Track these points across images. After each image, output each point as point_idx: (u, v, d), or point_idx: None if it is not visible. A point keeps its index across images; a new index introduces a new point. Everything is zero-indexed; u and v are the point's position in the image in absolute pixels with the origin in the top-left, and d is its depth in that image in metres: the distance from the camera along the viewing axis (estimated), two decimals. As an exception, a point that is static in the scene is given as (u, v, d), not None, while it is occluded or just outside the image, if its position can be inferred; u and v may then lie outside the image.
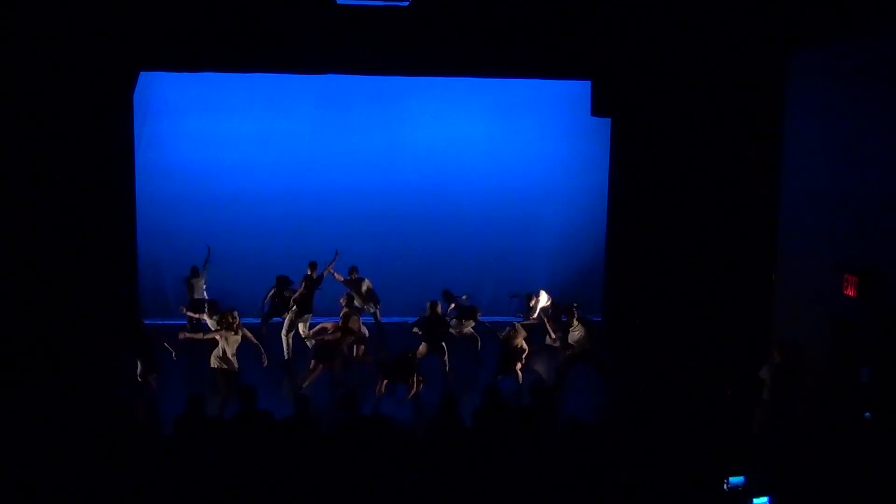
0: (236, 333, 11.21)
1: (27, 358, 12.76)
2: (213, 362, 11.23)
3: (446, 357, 12.85)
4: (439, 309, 13.00)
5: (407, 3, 10.74)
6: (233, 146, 15.81)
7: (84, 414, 10.32)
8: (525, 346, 12.62)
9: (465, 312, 13.80)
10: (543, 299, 14.41)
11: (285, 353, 13.61)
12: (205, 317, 12.81)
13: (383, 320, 14.64)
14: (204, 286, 14.57)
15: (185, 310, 13.79)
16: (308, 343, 13.17)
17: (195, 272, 14.53)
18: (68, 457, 7.91)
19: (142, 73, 13.67)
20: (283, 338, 13.65)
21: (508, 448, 8.31)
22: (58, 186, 14.27)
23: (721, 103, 13.71)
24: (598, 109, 14.25)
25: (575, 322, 12.35)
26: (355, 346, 12.96)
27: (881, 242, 10.26)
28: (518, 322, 13.17)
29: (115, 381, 12.50)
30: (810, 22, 11.10)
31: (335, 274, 14.11)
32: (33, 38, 12.07)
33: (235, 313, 11.31)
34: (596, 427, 8.88)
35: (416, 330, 12.75)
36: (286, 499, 7.35)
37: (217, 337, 11.24)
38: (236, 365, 11.24)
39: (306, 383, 12.02)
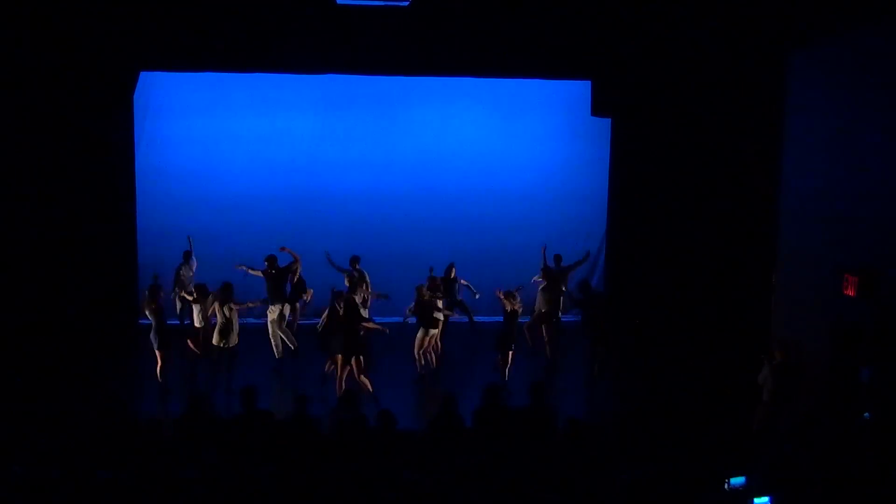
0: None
1: (27, 357, 12.76)
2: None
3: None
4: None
5: (407, 3, 10.73)
6: (233, 146, 15.80)
7: (84, 414, 10.33)
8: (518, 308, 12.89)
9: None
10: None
11: (276, 353, 13.63)
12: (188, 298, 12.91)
13: (384, 320, 14.63)
14: (192, 276, 14.56)
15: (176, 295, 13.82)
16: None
17: (187, 257, 14.50)
18: (68, 456, 7.90)
19: (142, 73, 13.68)
20: (273, 337, 13.63)
21: (508, 448, 8.30)
22: (58, 186, 14.26)
23: (721, 103, 13.70)
24: (598, 109, 14.24)
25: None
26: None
27: (881, 242, 10.26)
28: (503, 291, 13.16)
29: (115, 381, 12.53)
30: (810, 22, 11.10)
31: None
32: (33, 38, 12.06)
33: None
34: (596, 427, 8.88)
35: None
36: (286, 499, 7.35)
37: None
38: None
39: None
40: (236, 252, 15.25)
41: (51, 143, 14.00)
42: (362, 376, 11.88)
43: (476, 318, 14.82)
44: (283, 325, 13.71)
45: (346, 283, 13.20)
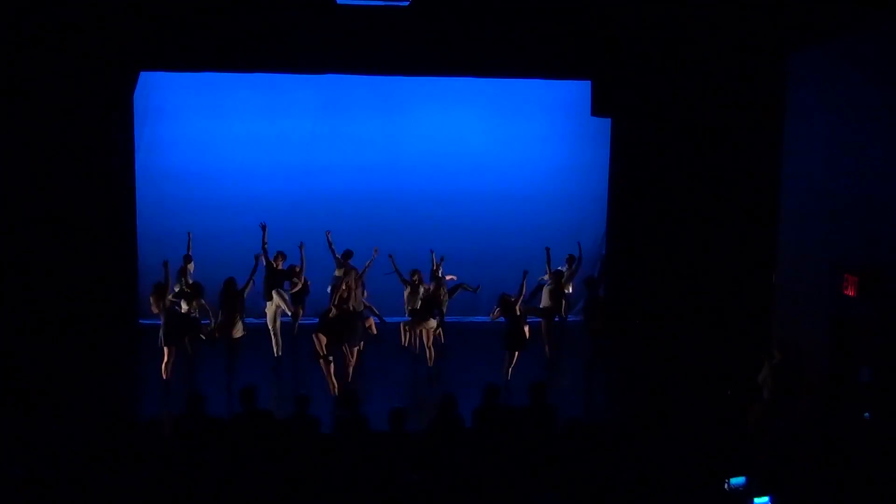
0: None
1: (27, 359, 12.76)
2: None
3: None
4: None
5: (407, 3, 10.72)
6: (232, 147, 15.78)
7: (84, 414, 10.32)
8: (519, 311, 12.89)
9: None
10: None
11: (276, 351, 13.68)
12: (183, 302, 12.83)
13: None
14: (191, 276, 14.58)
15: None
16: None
17: (188, 258, 14.50)
18: (68, 457, 7.91)
19: (142, 73, 13.68)
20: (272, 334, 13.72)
21: (508, 448, 8.30)
22: (58, 186, 14.24)
23: (721, 103, 13.71)
24: (598, 109, 14.25)
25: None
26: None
27: (881, 242, 10.27)
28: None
29: (115, 382, 12.53)
30: (810, 22, 11.10)
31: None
32: (33, 38, 12.06)
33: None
34: (596, 427, 8.87)
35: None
36: (286, 499, 7.35)
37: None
38: None
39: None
40: (235, 253, 15.24)
41: (51, 143, 13.98)
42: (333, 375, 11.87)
43: (476, 319, 14.82)
44: (277, 322, 13.82)
45: (336, 273, 13.49)
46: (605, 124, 15.53)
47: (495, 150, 16.31)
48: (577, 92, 15.07)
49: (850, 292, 10.47)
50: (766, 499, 7.14)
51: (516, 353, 12.80)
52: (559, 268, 14.49)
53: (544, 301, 14.12)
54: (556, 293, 14.05)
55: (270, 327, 13.71)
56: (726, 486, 7.33)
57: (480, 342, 14.33)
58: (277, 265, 13.77)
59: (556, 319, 14.19)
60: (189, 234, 14.34)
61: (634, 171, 15.39)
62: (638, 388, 12.69)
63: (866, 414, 9.71)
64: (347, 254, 14.05)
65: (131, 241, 15.19)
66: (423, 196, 16.14)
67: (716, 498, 7.37)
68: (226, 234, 15.50)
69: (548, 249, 14.30)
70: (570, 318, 15.16)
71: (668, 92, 13.59)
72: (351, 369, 12.28)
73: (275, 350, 13.67)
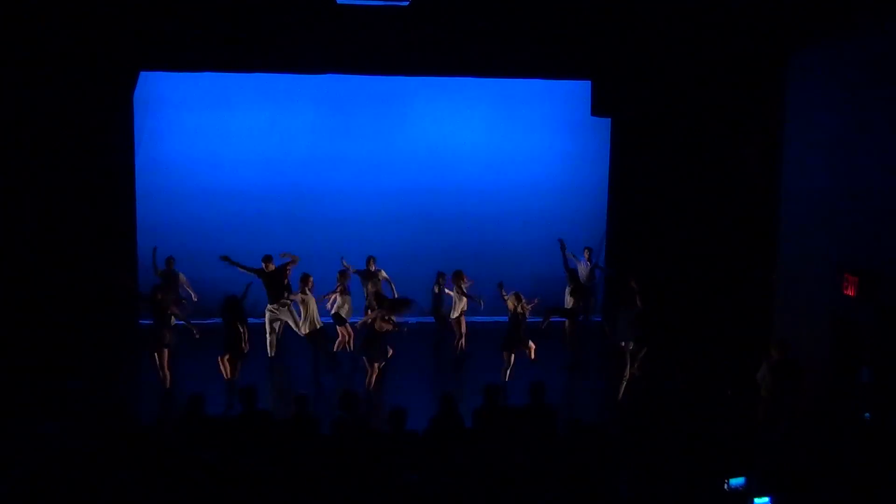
0: None
1: (27, 359, 12.76)
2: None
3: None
4: None
5: (407, 3, 10.73)
6: (234, 143, 15.78)
7: (84, 414, 10.33)
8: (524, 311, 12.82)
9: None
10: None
11: (269, 351, 13.75)
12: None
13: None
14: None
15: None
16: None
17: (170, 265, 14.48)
18: (68, 457, 7.91)
19: (142, 71, 13.69)
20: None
21: (508, 448, 8.31)
22: (58, 186, 14.25)
23: (721, 103, 13.71)
24: (598, 109, 14.24)
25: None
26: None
27: (881, 242, 10.27)
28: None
29: (115, 381, 12.53)
30: (810, 22, 11.11)
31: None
32: (33, 38, 12.06)
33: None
34: (596, 427, 8.88)
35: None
36: (286, 499, 7.35)
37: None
38: None
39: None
40: (236, 251, 15.23)
41: (51, 143, 13.98)
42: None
43: (476, 319, 14.83)
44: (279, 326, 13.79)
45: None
46: (605, 123, 15.54)
47: (495, 149, 16.29)
48: (577, 92, 15.06)
49: (850, 292, 10.47)
50: (766, 499, 7.14)
51: (511, 355, 12.75)
52: (572, 266, 14.48)
53: (567, 301, 14.09)
54: (578, 292, 14.00)
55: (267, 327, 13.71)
56: (726, 486, 7.33)
57: (481, 342, 14.32)
58: (268, 269, 13.62)
59: (580, 318, 14.14)
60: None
61: (634, 170, 15.40)
62: (638, 388, 12.68)
63: (866, 414, 9.72)
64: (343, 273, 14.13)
65: (131, 241, 15.19)
66: (422, 193, 16.12)
67: (716, 498, 7.37)
68: (225, 231, 15.49)
69: (561, 241, 14.07)
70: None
71: (668, 92, 13.59)
72: (373, 380, 12.20)
73: (269, 351, 13.69)
